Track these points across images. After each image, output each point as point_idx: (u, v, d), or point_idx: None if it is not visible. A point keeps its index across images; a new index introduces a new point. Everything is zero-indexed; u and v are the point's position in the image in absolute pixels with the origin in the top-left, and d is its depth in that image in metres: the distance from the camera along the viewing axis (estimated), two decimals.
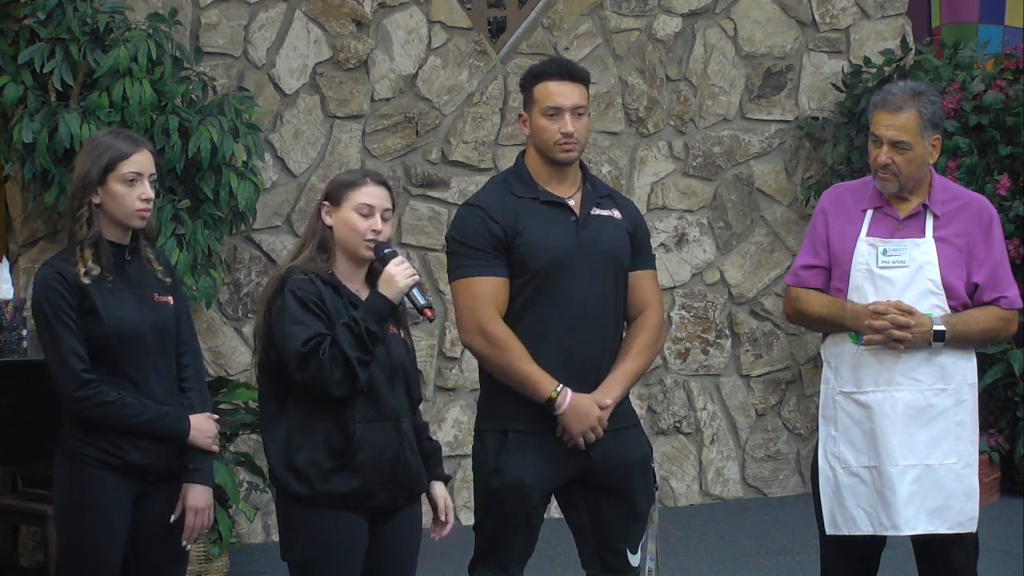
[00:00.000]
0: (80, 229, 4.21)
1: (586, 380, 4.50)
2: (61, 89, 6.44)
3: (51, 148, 6.30)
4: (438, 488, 4.34)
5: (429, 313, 4.22)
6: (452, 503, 4.36)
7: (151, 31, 6.50)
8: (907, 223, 4.66)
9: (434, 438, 4.45)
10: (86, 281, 4.17)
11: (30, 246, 6.86)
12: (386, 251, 4.22)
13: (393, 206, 4.26)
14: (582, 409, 4.45)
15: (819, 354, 8.09)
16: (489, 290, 4.46)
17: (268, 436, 4.20)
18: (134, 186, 4.24)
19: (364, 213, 4.18)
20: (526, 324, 4.48)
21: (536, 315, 4.49)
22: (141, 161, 4.25)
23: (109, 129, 4.67)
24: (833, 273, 4.72)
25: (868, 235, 4.66)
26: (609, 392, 4.51)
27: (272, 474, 4.19)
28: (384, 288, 4.14)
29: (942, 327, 4.57)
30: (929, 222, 4.65)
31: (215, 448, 4.39)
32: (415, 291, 4.20)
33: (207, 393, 4.48)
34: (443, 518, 4.33)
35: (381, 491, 4.16)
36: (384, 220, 4.21)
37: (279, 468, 4.15)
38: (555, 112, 4.49)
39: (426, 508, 4.34)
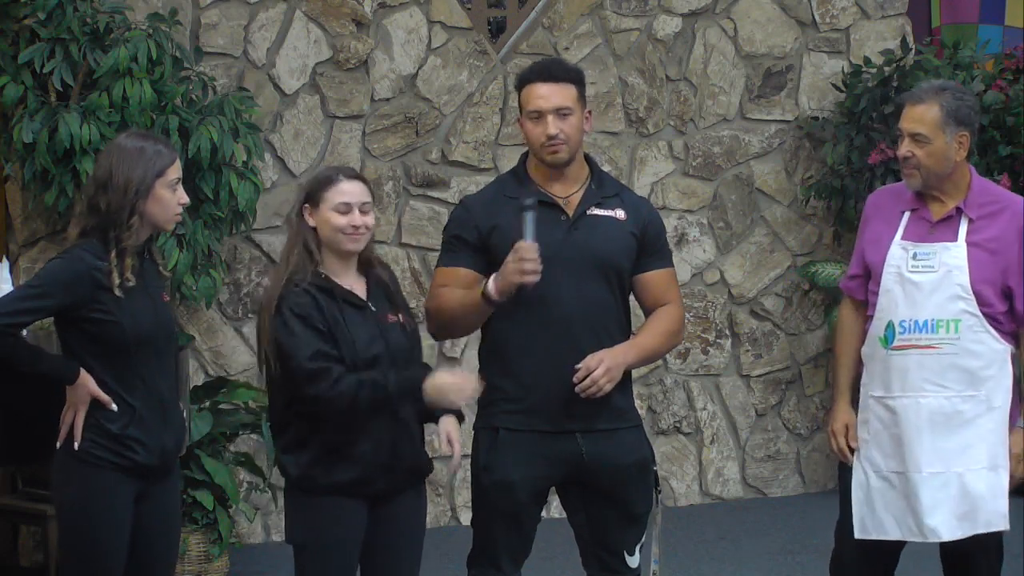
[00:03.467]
0: (129, 238, 4.20)
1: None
2: (61, 89, 6.43)
3: (51, 148, 6.29)
4: (443, 422, 4.37)
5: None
6: (458, 436, 4.36)
7: (151, 31, 6.49)
8: (940, 226, 4.53)
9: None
10: (119, 294, 4.19)
11: (30, 246, 6.85)
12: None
13: (372, 197, 4.32)
14: (502, 272, 4.39)
15: (819, 354, 8.16)
16: (447, 279, 4.54)
17: (276, 430, 4.34)
18: (175, 191, 4.28)
19: (342, 211, 4.24)
20: (515, 323, 4.48)
21: (524, 314, 4.47)
22: (179, 165, 4.30)
23: (136, 132, 4.63)
24: (872, 277, 4.62)
25: (903, 238, 4.55)
26: (618, 352, 4.47)
27: (278, 461, 4.34)
28: (433, 391, 4.21)
29: None
30: (963, 226, 4.51)
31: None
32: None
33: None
34: (444, 449, 4.37)
35: (380, 478, 4.26)
36: (364, 213, 4.26)
37: (284, 457, 4.29)
38: (538, 115, 4.49)
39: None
